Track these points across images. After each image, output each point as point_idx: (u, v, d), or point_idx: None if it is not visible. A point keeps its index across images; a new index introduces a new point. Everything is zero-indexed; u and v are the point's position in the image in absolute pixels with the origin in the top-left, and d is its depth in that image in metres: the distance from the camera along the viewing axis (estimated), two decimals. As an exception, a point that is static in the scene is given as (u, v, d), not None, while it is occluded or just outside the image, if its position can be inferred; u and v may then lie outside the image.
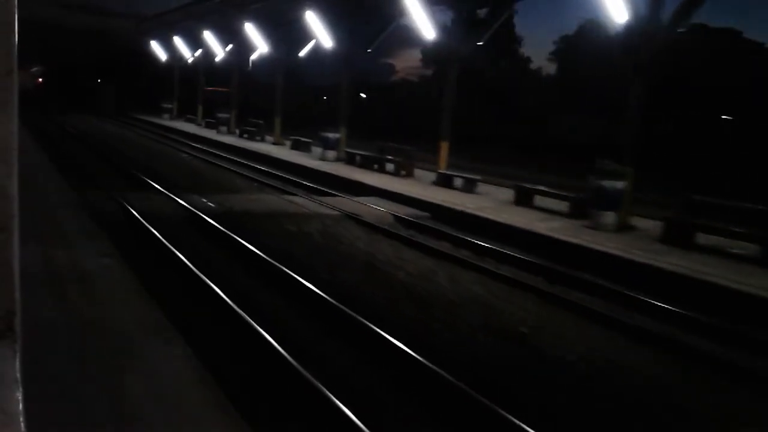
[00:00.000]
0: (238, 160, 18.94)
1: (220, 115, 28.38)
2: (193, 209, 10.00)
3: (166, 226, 8.65)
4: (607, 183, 9.79)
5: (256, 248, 7.71)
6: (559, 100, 41.70)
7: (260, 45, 23.54)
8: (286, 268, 6.94)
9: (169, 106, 37.13)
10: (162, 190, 11.99)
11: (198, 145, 23.04)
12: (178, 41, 33.57)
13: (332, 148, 18.49)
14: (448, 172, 14.21)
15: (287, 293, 6.49)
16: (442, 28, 14.38)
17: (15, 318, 1.17)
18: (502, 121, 38.31)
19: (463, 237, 9.57)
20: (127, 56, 44.57)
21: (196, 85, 33.57)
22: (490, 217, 10.58)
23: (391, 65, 71.61)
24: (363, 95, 47.04)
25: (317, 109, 45.07)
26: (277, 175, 16.01)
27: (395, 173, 15.74)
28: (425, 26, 14.08)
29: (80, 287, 4.91)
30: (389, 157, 16.26)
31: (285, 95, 23.59)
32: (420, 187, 13.81)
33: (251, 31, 22.96)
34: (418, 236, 9.82)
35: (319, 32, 18.53)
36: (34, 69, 51.78)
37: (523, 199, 12.04)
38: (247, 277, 7.07)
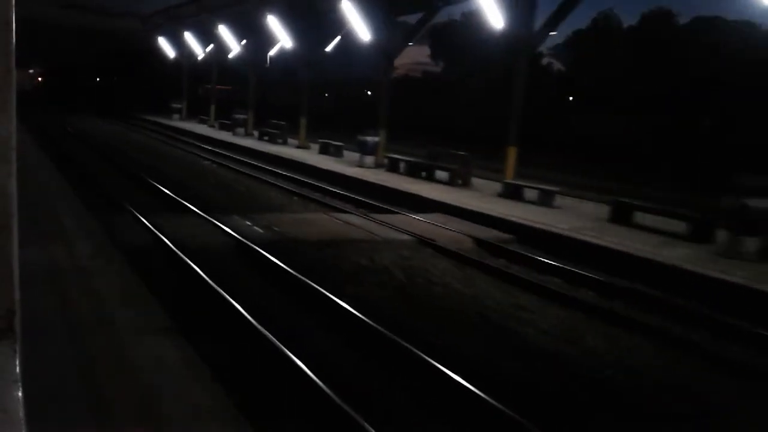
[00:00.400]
0: (266, 167, 17.07)
1: (237, 115, 26.51)
2: (242, 239, 8.13)
3: (219, 271, 6.79)
4: (753, 202, 7.94)
5: (354, 309, 5.79)
6: (571, 96, 39.63)
7: (283, 39, 21.63)
8: (397, 337, 5.09)
9: (179, 105, 35.17)
10: (193, 209, 10.17)
11: (217, 150, 21.18)
12: (188, 37, 31.65)
13: (371, 153, 16.61)
14: (518, 183, 12.33)
15: (413, 382, 4.65)
16: (511, 16, 12.48)
17: (15, 317, 1.17)
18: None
19: (572, 269, 7.75)
20: (133, 54, 42.70)
21: (205, 84, 31.63)
22: (596, 241, 8.73)
23: (389, 61, 68.98)
24: (369, 92, 45.02)
25: (326, 107, 43.08)
26: (316, 185, 14.14)
27: (450, 183, 13.87)
28: (493, 13, 12.18)
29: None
30: (444, 165, 14.37)
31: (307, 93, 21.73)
32: (485, 200, 11.96)
33: (274, 23, 21.05)
34: (512, 267, 8.04)
35: (356, 23, 16.62)
36: (32, 71, 49.98)
37: (621, 217, 10.20)
38: (352, 351, 5.22)
